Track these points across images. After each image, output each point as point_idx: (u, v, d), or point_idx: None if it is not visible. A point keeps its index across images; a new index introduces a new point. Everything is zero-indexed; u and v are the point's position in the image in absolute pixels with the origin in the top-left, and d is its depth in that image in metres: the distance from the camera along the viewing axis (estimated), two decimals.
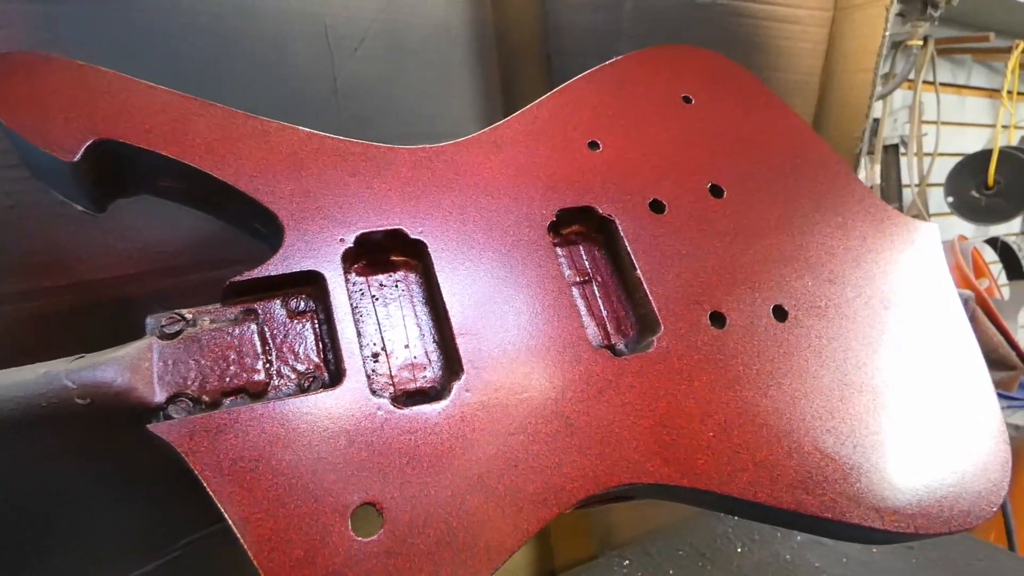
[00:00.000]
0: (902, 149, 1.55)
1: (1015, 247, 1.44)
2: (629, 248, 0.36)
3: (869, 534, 0.33)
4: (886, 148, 1.53)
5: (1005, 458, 0.36)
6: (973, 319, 1.12)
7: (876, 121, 1.49)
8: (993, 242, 1.45)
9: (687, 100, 0.44)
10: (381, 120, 0.54)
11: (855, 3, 0.68)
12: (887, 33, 0.65)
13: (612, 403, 0.31)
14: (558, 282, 0.34)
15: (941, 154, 1.55)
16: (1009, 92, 1.55)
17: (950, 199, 1.56)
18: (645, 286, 0.36)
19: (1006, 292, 1.48)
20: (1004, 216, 1.50)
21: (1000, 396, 1.14)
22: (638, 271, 0.36)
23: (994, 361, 1.10)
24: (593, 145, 0.40)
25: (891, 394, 0.37)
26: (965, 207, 1.54)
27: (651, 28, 0.62)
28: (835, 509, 0.32)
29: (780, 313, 0.37)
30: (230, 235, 0.37)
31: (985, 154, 1.51)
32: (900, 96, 1.52)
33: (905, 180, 1.56)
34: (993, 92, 1.67)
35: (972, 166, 1.53)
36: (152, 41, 0.43)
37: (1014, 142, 1.67)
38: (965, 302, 1.13)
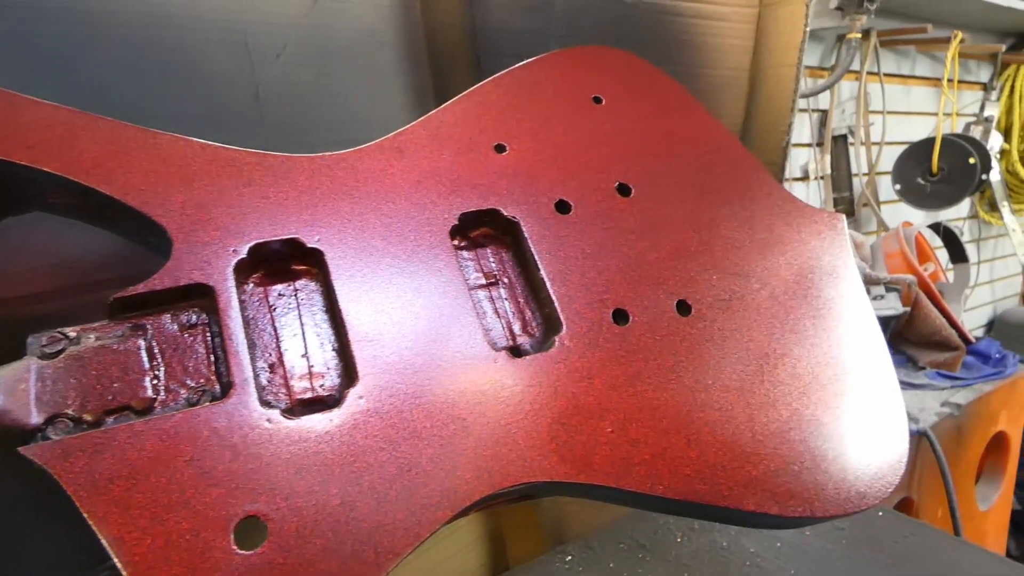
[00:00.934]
0: (850, 139, 1.59)
1: (957, 231, 1.49)
2: (533, 249, 0.37)
3: (768, 520, 0.34)
4: (835, 139, 1.57)
5: (902, 440, 0.37)
6: (916, 303, 1.15)
7: (824, 112, 1.53)
8: (937, 227, 1.49)
9: (597, 100, 0.45)
10: (308, 127, 0.53)
11: (777, 0, 0.70)
12: (807, 29, 0.67)
13: (509, 404, 0.32)
14: (458, 285, 0.34)
15: (888, 143, 1.60)
16: (950, 80, 1.60)
17: (898, 187, 1.61)
18: (549, 286, 0.36)
19: (952, 276, 1.53)
20: (949, 201, 1.55)
21: (943, 376, 1.17)
22: (542, 272, 0.36)
23: (937, 343, 1.13)
24: (500, 148, 0.40)
25: (793, 382, 0.38)
26: (912, 194, 1.59)
27: (580, 29, 0.63)
28: (731, 498, 0.32)
29: (684, 308, 0.38)
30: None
31: (929, 142, 1.55)
32: (847, 87, 1.55)
33: (854, 169, 1.60)
34: (936, 81, 1.72)
35: (917, 154, 1.58)
36: (65, 52, 0.42)
37: (958, 129, 1.73)
38: (908, 287, 1.17)
